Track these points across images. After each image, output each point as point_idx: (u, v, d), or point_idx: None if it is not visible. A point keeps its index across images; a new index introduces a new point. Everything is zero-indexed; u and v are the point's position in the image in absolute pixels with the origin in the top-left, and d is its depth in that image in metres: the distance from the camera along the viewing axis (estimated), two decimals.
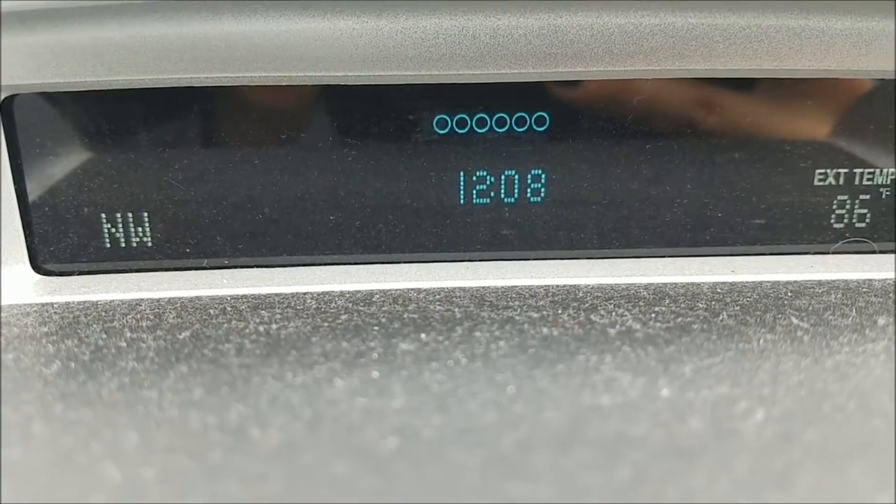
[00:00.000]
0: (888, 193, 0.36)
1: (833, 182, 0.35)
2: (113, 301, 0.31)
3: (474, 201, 0.35)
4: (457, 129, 0.34)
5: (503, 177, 0.35)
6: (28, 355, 0.25)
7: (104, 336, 0.26)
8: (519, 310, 0.28)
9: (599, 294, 0.30)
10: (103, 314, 0.29)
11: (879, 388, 0.19)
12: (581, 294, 0.30)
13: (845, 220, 0.36)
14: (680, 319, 0.26)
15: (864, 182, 0.35)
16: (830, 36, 0.31)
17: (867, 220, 0.36)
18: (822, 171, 0.35)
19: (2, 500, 0.15)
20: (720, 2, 0.30)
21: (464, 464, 0.16)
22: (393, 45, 0.29)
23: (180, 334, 0.25)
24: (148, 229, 0.34)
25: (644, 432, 0.17)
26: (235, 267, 0.34)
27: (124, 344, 0.25)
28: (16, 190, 0.33)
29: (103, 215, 0.34)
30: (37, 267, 0.34)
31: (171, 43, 0.29)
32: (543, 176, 0.34)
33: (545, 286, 0.32)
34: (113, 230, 0.34)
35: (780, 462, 0.15)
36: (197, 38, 0.29)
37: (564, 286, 0.31)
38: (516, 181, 0.35)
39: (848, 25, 0.31)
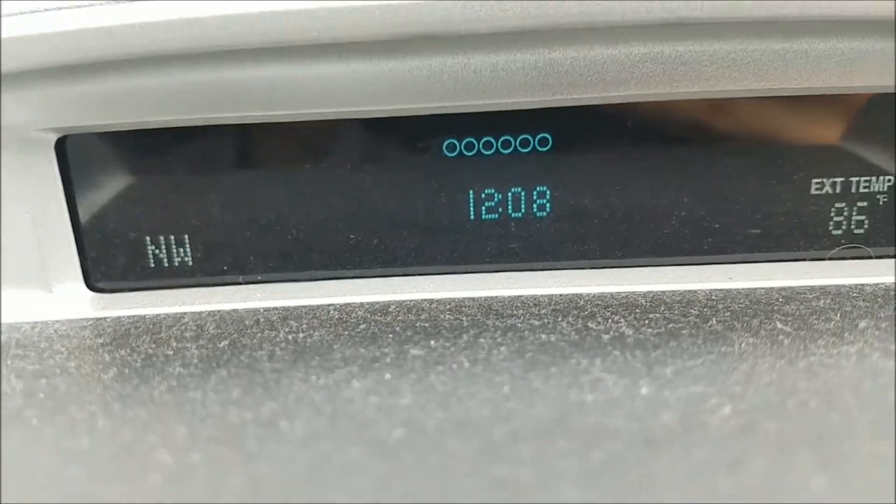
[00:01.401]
0: (885, 200, 0.37)
1: (830, 190, 0.37)
2: (159, 315, 0.34)
3: (483, 217, 0.37)
4: (465, 152, 0.36)
5: (510, 194, 0.37)
6: (88, 363, 0.28)
7: (153, 346, 0.29)
8: (522, 318, 0.30)
9: (599, 302, 0.32)
10: (151, 326, 0.32)
11: (844, 386, 0.21)
12: (582, 302, 0.32)
13: (843, 228, 0.37)
14: (671, 325, 0.28)
15: (861, 189, 0.37)
16: (815, 56, 0.33)
17: (865, 227, 0.37)
18: (819, 179, 0.37)
19: (75, 481, 0.18)
20: (704, 30, 0.32)
21: (459, 451, 0.18)
22: (404, 82, 0.32)
23: (220, 343, 0.29)
24: (189, 250, 0.38)
25: (619, 425, 0.19)
26: (267, 282, 0.38)
27: (171, 352, 0.28)
28: (70, 218, 0.37)
29: (148, 238, 0.38)
30: (90, 285, 0.38)
31: (205, 87, 0.32)
32: (548, 192, 0.37)
33: (548, 295, 0.34)
34: (157, 251, 0.38)
35: (736, 450, 0.18)
36: (229, 82, 0.32)
37: (567, 295, 0.34)
38: (522, 197, 0.37)
39: (830, 46, 0.32)
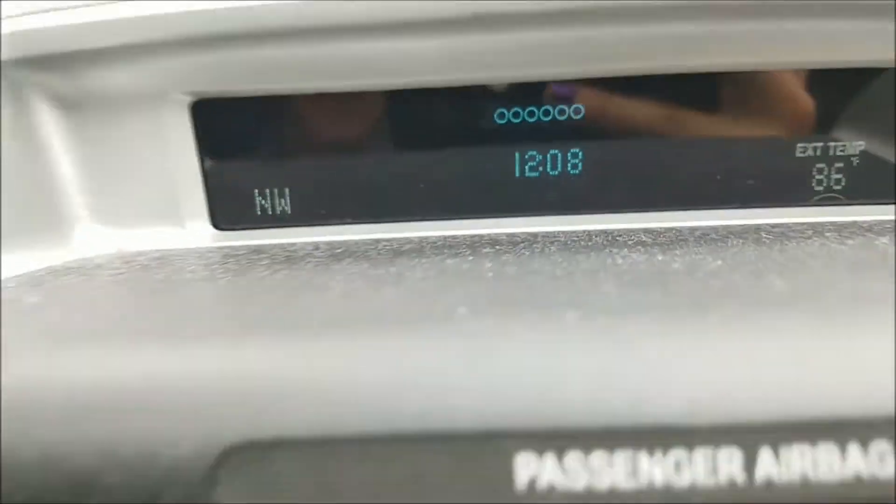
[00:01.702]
0: (858, 161, 0.45)
1: (812, 153, 0.45)
2: (276, 243, 0.43)
3: (526, 175, 0.46)
4: (512, 120, 0.45)
5: (549, 155, 0.46)
6: (238, 264, 0.37)
7: (286, 254, 0.38)
8: (563, 238, 0.39)
9: (623, 230, 0.41)
10: (275, 247, 0.41)
11: (807, 255, 0.30)
12: (608, 230, 0.41)
13: (823, 185, 0.46)
14: (680, 238, 0.37)
15: (838, 153, 0.45)
16: (801, 35, 0.41)
17: (842, 184, 0.45)
18: (803, 144, 0.45)
19: (279, 299, 0.27)
20: (715, 13, 0.40)
21: (536, 280, 0.27)
22: (464, 56, 0.41)
23: (336, 251, 0.38)
24: (288, 200, 0.47)
25: (643, 269, 0.28)
26: (354, 223, 0.47)
27: (301, 255, 0.37)
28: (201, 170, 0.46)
29: (256, 190, 0.47)
30: (214, 226, 0.47)
31: (307, 60, 0.41)
32: (581, 153, 0.46)
33: (582, 230, 0.43)
34: (263, 201, 0.47)
35: (724, 273, 0.26)
36: (334, 55, 0.41)
37: (596, 229, 0.42)
38: (559, 158, 0.46)
39: (836, 27, 0.40)
